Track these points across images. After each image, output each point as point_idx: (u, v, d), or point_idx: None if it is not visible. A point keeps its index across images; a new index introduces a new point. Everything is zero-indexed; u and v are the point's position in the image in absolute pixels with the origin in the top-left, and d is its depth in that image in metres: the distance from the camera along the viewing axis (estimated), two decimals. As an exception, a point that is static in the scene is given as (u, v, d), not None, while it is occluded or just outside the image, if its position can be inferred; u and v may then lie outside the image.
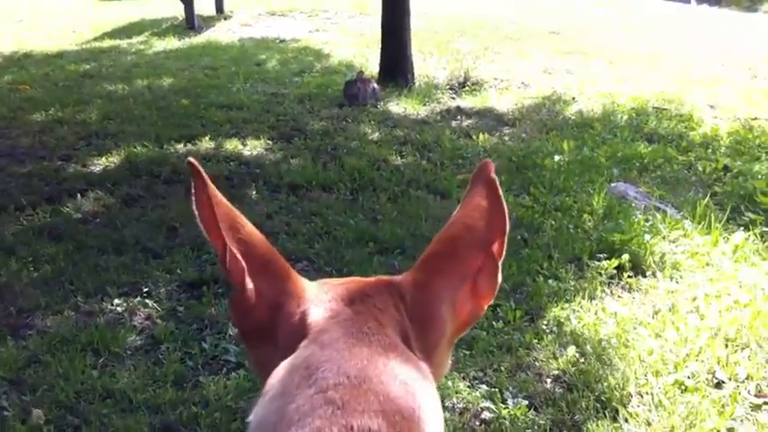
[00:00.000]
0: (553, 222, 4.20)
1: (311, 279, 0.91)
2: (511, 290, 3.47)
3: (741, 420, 2.66)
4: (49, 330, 3.11)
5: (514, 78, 7.73)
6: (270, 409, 0.74)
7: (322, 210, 4.32)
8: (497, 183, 0.91)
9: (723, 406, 2.71)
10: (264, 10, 11.70)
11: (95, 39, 9.62)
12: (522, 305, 3.37)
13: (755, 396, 2.78)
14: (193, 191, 0.83)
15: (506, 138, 5.87)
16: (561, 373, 2.94)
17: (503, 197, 0.90)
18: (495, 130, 6.02)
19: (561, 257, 3.81)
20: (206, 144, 5.44)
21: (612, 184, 4.77)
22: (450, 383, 2.78)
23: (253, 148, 5.40)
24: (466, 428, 2.63)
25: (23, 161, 5.04)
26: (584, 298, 3.44)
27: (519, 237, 3.96)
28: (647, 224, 4.12)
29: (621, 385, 2.83)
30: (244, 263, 0.83)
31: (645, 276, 3.67)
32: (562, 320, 3.28)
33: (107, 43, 9.32)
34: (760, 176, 4.94)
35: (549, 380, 2.92)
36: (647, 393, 2.79)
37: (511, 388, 2.84)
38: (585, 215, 4.30)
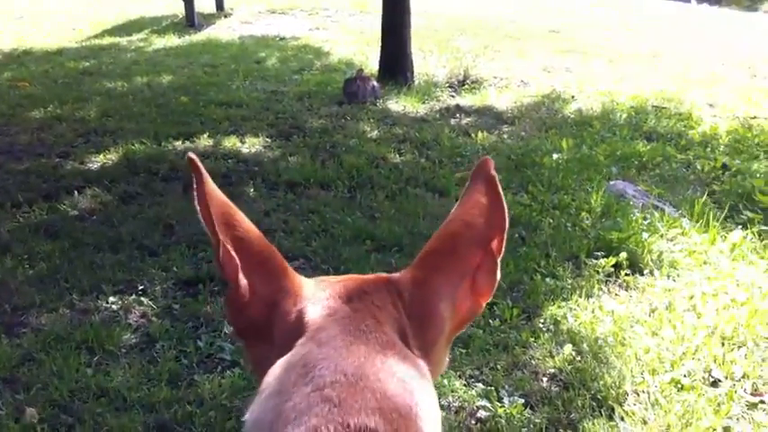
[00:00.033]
0: (551, 220, 4.20)
1: (308, 277, 0.91)
2: (508, 288, 3.46)
3: (737, 419, 2.65)
4: (44, 328, 3.10)
5: (514, 77, 7.72)
6: (266, 408, 0.73)
7: (320, 207, 4.31)
8: (497, 180, 0.91)
9: (719, 404, 2.70)
10: (265, 8, 11.69)
11: (95, 36, 9.61)
12: (518, 303, 3.36)
13: (752, 395, 2.77)
14: (194, 186, 0.83)
15: (505, 136, 5.86)
16: (557, 371, 2.94)
17: (502, 194, 0.90)
18: (494, 129, 6.01)
19: (559, 256, 3.80)
20: (204, 141, 5.43)
21: (611, 183, 4.76)
22: (446, 382, 2.77)
23: (251, 145, 5.39)
24: (462, 427, 2.63)
25: (21, 158, 5.04)
26: (581, 296, 3.44)
27: (517, 235, 3.95)
28: (645, 222, 4.12)
29: (618, 384, 2.82)
30: (238, 259, 0.83)
31: (642, 275, 3.67)
32: (559, 319, 3.27)
33: (107, 40, 9.31)
34: (758, 175, 4.93)
35: (545, 378, 2.91)
36: (643, 392, 2.78)
37: (507, 386, 2.83)
38: (584, 213, 4.29)
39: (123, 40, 9.29)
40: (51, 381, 2.76)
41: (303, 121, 6.01)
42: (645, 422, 2.63)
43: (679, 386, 2.80)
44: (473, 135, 5.76)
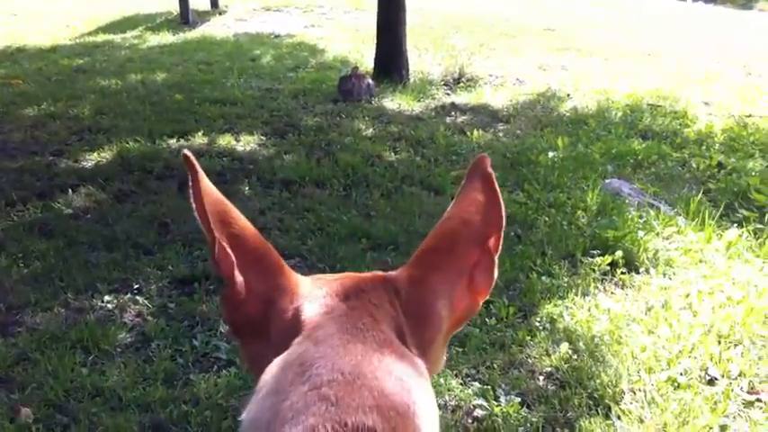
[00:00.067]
0: (547, 219, 4.19)
1: (304, 275, 0.90)
2: (504, 286, 3.46)
3: (734, 417, 2.65)
4: (39, 327, 3.09)
5: (509, 75, 7.72)
6: (263, 407, 0.73)
7: (315, 206, 4.30)
8: (494, 177, 0.91)
9: (716, 403, 2.70)
10: (259, 5, 11.68)
11: (89, 33, 9.59)
12: (515, 302, 3.36)
13: (748, 393, 2.77)
14: (190, 183, 0.83)
15: (501, 134, 5.86)
16: (554, 370, 2.93)
17: (499, 192, 0.90)
18: (489, 127, 6.01)
19: (555, 254, 3.80)
20: (199, 139, 5.41)
21: (606, 181, 4.76)
22: (442, 381, 2.77)
23: (246, 143, 5.38)
24: (458, 426, 2.62)
25: (15, 156, 5.01)
26: (577, 294, 3.44)
27: (512, 233, 3.95)
28: (641, 221, 4.12)
29: (614, 382, 2.82)
30: (233, 256, 0.82)
31: (638, 273, 3.66)
32: (555, 317, 3.27)
33: (101, 38, 9.28)
34: (753, 173, 4.94)
35: (541, 377, 2.90)
36: (639, 390, 2.78)
37: (503, 385, 2.83)
38: (579, 212, 4.29)
39: (117, 38, 9.27)
40: (46, 380, 2.74)
41: (298, 118, 6.00)
42: (641, 421, 2.62)
43: (675, 384, 2.80)
44: (468, 133, 5.76)
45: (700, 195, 4.43)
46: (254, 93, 6.71)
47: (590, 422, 2.62)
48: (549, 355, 3.01)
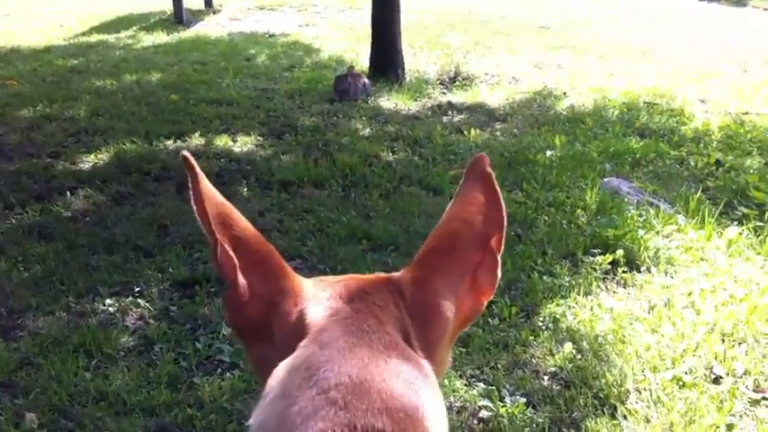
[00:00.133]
0: (546, 218, 4.19)
1: (305, 277, 0.90)
2: (506, 286, 3.46)
3: (740, 416, 2.65)
4: (41, 332, 3.07)
5: (505, 73, 7.72)
6: (270, 413, 0.72)
7: (314, 207, 4.29)
8: (493, 177, 0.91)
9: (722, 401, 2.70)
10: (253, 4, 11.67)
11: (83, 33, 9.55)
12: (517, 302, 3.35)
13: (754, 391, 2.77)
14: (190, 185, 0.83)
15: (498, 133, 5.86)
16: (558, 369, 2.93)
17: (499, 191, 0.90)
18: (486, 126, 6.01)
19: (555, 253, 3.80)
20: (196, 140, 5.39)
21: (605, 180, 4.76)
22: (447, 382, 2.76)
23: (243, 144, 5.36)
24: (464, 427, 2.62)
25: (11, 158, 4.99)
26: (579, 294, 3.43)
27: (512, 233, 3.94)
28: (641, 219, 4.12)
29: (619, 382, 2.82)
30: (236, 259, 0.82)
31: (639, 272, 3.66)
32: (558, 317, 3.26)
33: (95, 38, 9.25)
34: (752, 171, 4.96)
35: (546, 377, 2.90)
36: (645, 389, 2.78)
37: (508, 386, 2.82)
38: (579, 210, 4.29)
39: (111, 38, 9.24)
40: (50, 385, 2.73)
41: (295, 119, 5.98)
42: (648, 420, 2.62)
43: (681, 383, 2.80)
44: (465, 132, 5.75)
45: (699, 193, 4.43)
46: (250, 93, 6.69)
47: (596, 422, 2.61)
48: (552, 355, 3.01)
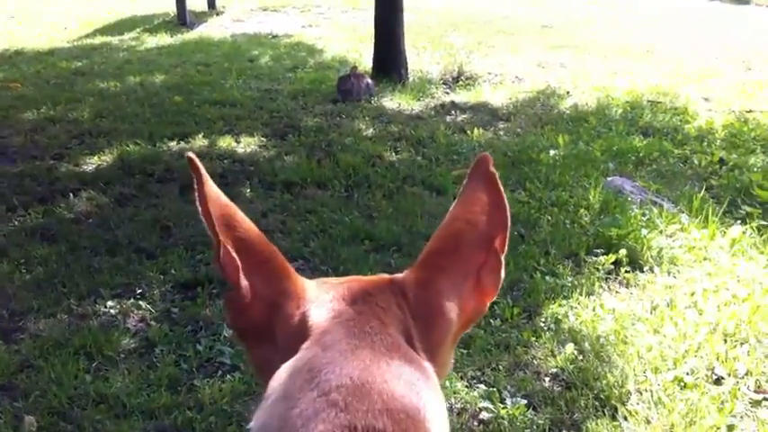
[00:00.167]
0: (549, 218, 4.18)
1: (308, 278, 0.89)
2: (508, 287, 3.44)
3: (741, 417, 2.64)
4: (42, 334, 3.07)
5: (508, 73, 7.71)
6: (272, 415, 0.72)
7: (317, 207, 4.29)
8: (497, 176, 0.90)
9: (723, 402, 2.69)
10: (257, 5, 11.67)
11: (87, 35, 9.56)
12: (519, 302, 3.35)
13: (755, 392, 2.76)
14: (195, 186, 0.83)
15: (501, 132, 5.85)
16: (560, 371, 2.92)
17: (503, 191, 0.89)
18: (489, 125, 6.00)
19: (558, 253, 3.79)
20: (199, 142, 5.40)
21: (608, 179, 4.74)
22: (448, 383, 2.75)
23: (246, 145, 5.37)
24: (464, 429, 2.61)
25: (15, 161, 5.00)
26: (581, 294, 3.42)
27: (515, 233, 3.93)
28: (644, 218, 4.11)
29: (620, 383, 2.81)
30: (239, 260, 0.82)
31: (642, 271, 3.65)
32: (560, 317, 3.26)
33: (98, 40, 9.26)
34: (756, 169, 4.94)
35: (547, 378, 2.89)
36: (646, 390, 2.77)
37: (509, 387, 2.82)
38: (582, 210, 4.28)
39: (115, 40, 9.25)
40: (50, 387, 2.73)
41: (298, 119, 5.98)
42: (648, 422, 2.61)
43: (682, 384, 2.79)
44: (469, 132, 5.75)
45: (702, 192, 4.42)
46: (254, 94, 6.69)
47: (597, 423, 2.61)
48: (554, 356, 3.00)
